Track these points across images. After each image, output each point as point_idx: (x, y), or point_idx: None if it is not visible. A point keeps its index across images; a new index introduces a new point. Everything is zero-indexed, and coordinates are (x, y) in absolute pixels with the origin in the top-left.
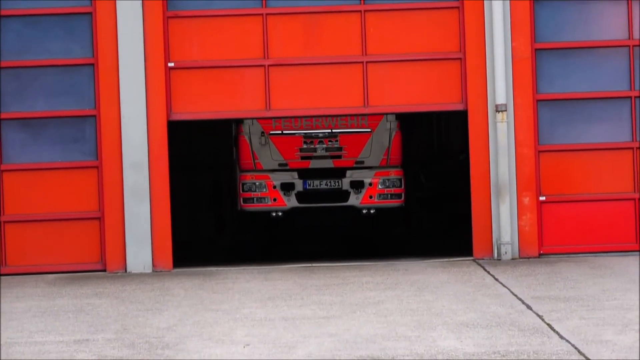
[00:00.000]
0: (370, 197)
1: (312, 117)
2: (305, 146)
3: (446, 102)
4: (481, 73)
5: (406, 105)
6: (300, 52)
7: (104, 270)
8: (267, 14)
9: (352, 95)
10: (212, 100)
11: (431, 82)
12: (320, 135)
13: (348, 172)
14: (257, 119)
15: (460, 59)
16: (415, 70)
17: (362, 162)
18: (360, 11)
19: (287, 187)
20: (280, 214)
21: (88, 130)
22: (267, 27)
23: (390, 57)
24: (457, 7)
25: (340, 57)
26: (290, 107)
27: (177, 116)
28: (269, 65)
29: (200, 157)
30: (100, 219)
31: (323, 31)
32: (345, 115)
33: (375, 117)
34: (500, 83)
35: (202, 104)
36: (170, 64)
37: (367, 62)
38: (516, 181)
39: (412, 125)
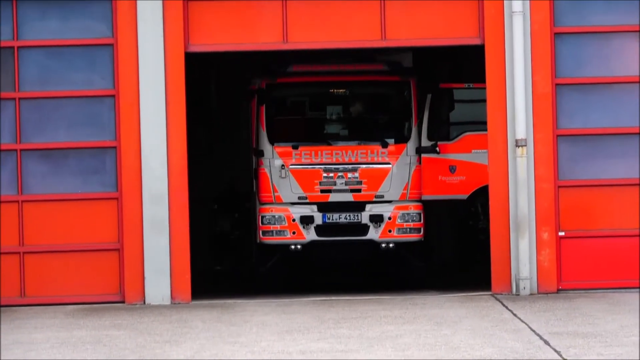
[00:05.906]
0: (390, 231)
1: (329, 50)
2: (325, 180)
3: (463, 36)
4: (501, 108)
5: (424, 39)
6: None
7: (123, 302)
8: None
9: (369, 29)
10: (230, 33)
11: (449, 16)
12: (340, 168)
13: (367, 206)
14: (274, 51)
15: None
16: (433, 4)
17: (382, 196)
18: None
19: (306, 220)
20: (299, 247)
21: (108, 162)
22: None
23: None
24: None
25: None
26: (308, 40)
27: (195, 48)
28: None
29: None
30: (119, 250)
31: None
32: (363, 49)
33: (396, 150)
34: (520, 118)
35: (219, 36)
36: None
37: None
38: (535, 216)
39: None
